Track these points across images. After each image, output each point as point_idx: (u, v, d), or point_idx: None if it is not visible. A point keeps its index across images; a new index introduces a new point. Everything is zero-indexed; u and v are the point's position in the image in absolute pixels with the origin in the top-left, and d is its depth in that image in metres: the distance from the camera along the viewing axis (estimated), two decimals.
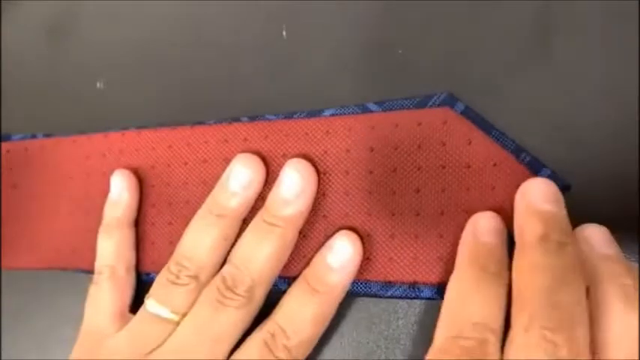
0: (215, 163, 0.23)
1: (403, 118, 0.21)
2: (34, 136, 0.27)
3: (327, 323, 0.20)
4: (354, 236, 0.20)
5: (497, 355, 0.16)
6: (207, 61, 0.27)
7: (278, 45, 0.25)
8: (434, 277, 0.19)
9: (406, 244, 0.20)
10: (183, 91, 0.27)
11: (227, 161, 0.22)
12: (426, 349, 0.20)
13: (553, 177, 0.19)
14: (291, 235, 0.21)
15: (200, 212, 0.22)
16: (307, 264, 0.21)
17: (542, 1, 0.22)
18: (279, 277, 0.21)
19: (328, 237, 0.21)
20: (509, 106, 0.21)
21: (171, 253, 0.22)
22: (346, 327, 0.22)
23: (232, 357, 0.20)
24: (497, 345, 0.16)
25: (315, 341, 0.20)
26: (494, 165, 0.19)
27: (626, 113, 0.20)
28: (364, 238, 0.20)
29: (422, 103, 0.21)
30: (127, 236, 0.23)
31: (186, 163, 0.23)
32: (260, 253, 0.20)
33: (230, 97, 0.25)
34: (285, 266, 0.21)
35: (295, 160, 0.21)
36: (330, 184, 0.21)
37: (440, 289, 0.19)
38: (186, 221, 0.22)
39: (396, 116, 0.21)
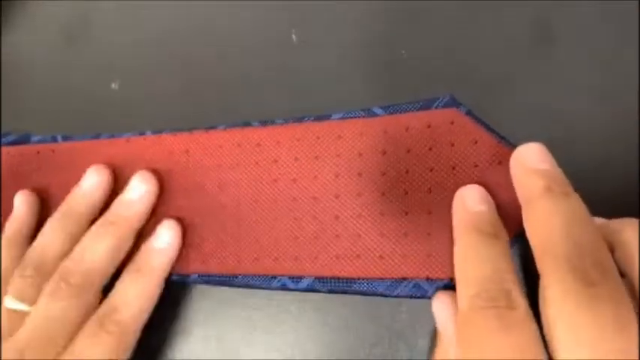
0: (228, 168, 0.23)
1: (413, 121, 0.21)
2: (54, 138, 0.28)
3: (153, 300, 0.23)
4: (174, 224, 0.23)
5: (521, 300, 0.16)
6: (218, 63, 0.27)
7: (288, 48, 0.26)
8: (447, 273, 0.20)
9: (420, 241, 0.20)
10: (196, 92, 0.27)
11: (240, 166, 0.23)
12: (430, 343, 0.21)
13: None
14: (127, 233, 0.23)
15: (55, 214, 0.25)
16: (318, 263, 0.21)
17: (542, 1, 0.22)
18: (289, 277, 0.21)
19: (339, 237, 0.21)
20: (510, 107, 0.21)
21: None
22: (351, 320, 0.22)
23: (73, 340, 0.22)
24: (520, 290, 0.16)
25: (143, 317, 0.22)
26: (499, 163, 0.20)
27: (626, 114, 0.21)
28: (377, 237, 0.21)
29: (426, 107, 0.21)
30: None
31: (202, 167, 0.24)
32: (95, 247, 0.23)
33: (240, 99, 0.26)
34: (298, 267, 0.21)
35: (143, 171, 0.24)
36: (343, 186, 0.22)
37: (454, 284, 0.19)
38: (200, 226, 0.23)
39: (405, 119, 0.21)
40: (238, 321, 0.24)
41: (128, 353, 0.22)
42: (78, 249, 0.23)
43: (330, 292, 0.21)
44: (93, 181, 0.25)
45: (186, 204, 0.24)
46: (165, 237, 0.23)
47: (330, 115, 0.23)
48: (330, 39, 0.25)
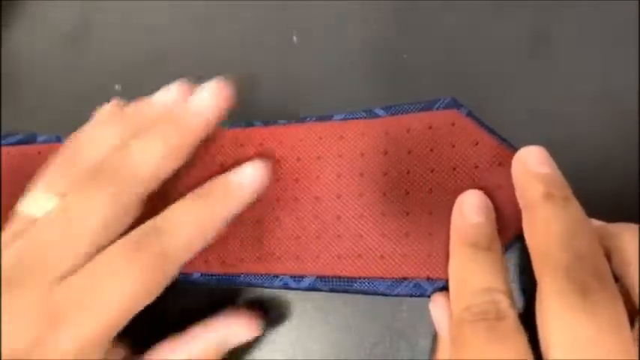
0: (231, 167, 0.23)
1: (414, 122, 0.21)
2: (58, 138, 0.28)
3: (207, 239, 0.19)
4: (263, 165, 0.21)
5: (510, 311, 0.16)
6: (220, 64, 0.27)
7: (288, 48, 0.26)
8: (447, 273, 0.20)
9: (420, 241, 0.20)
10: None
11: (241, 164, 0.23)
12: (431, 342, 0.21)
13: None
14: (187, 144, 0.20)
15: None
16: (319, 263, 0.21)
17: (542, 1, 0.22)
18: (290, 276, 0.22)
19: (340, 237, 0.21)
20: (510, 108, 0.21)
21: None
22: (353, 319, 0.23)
23: (96, 257, 0.17)
24: (510, 302, 0.17)
25: (191, 252, 0.18)
26: (500, 164, 0.20)
27: (626, 115, 0.21)
28: (378, 237, 0.21)
29: (427, 108, 0.21)
30: None
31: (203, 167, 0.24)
32: (147, 148, 0.19)
33: (242, 100, 0.26)
34: (299, 266, 0.21)
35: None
36: (345, 186, 0.22)
37: None
38: None
39: (407, 120, 0.22)
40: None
41: (160, 291, 0.17)
42: (125, 149, 0.19)
43: (332, 291, 0.21)
44: (171, 95, 0.21)
45: None
46: (250, 171, 0.20)
47: (332, 116, 0.23)
48: (331, 40, 0.25)
